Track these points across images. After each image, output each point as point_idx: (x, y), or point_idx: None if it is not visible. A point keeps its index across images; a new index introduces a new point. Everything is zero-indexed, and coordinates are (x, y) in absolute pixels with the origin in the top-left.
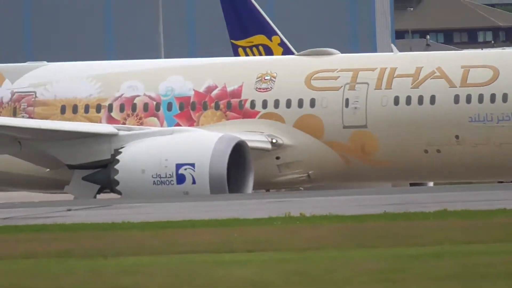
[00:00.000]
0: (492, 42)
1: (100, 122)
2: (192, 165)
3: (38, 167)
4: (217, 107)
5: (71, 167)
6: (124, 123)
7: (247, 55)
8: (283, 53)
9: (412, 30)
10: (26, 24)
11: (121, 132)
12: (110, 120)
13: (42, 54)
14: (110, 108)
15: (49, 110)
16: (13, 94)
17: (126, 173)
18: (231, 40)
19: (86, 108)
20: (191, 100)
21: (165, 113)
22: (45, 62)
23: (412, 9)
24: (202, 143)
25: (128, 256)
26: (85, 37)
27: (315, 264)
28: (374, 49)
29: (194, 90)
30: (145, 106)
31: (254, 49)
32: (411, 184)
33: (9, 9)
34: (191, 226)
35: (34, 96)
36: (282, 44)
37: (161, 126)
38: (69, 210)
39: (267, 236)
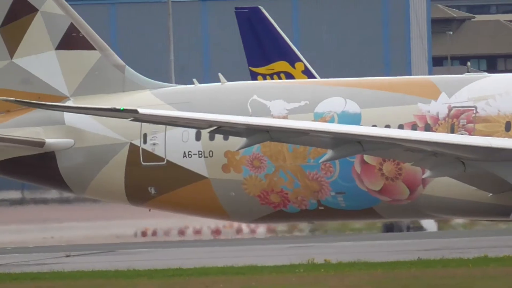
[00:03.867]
0: None
1: None
2: None
3: (480, 191)
4: None
5: None
6: None
7: None
8: None
9: (451, 56)
10: None
11: None
12: None
13: None
14: None
15: (492, 127)
16: (450, 109)
17: None
18: (250, 68)
19: None
20: None
21: None
22: (485, 73)
23: (451, 33)
24: None
25: None
26: None
27: None
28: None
29: None
30: None
31: (275, 76)
32: None
33: None
34: (204, 274)
35: (474, 111)
36: (306, 71)
37: None
38: (68, 256)
39: (288, 286)
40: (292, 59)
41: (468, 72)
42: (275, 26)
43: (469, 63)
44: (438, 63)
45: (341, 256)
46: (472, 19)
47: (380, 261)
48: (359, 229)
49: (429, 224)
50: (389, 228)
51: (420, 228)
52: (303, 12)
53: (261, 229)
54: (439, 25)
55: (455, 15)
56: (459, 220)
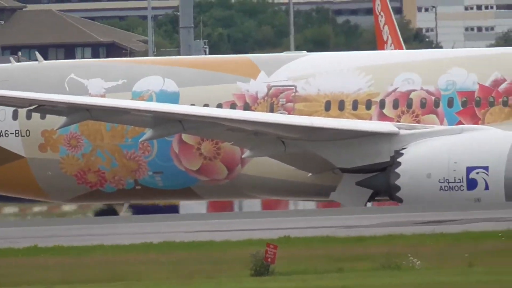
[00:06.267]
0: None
1: (370, 120)
2: (486, 168)
3: (299, 171)
4: (505, 104)
5: (344, 170)
6: (398, 122)
7: None
8: None
9: (2, 46)
10: None
11: (402, 131)
12: (382, 117)
13: None
14: (382, 104)
15: (311, 106)
16: (269, 88)
17: (409, 178)
18: None
19: (355, 104)
20: (475, 96)
21: (445, 110)
22: (305, 52)
23: (3, 22)
24: (497, 144)
25: None
26: None
27: None
28: None
29: (478, 84)
30: (423, 102)
31: None
32: None
33: None
34: None
35: (294, 90)
36: None
37: (441, 124)
38: None
39: None
40: None
41: (19, 61)
42: None
43: (20, 53)
44: None
45: None
46: (24, 9)
47: None
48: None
49: None
50: None
51: None
52: None
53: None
54: None
55: (6, 5)
56: (10, 209)
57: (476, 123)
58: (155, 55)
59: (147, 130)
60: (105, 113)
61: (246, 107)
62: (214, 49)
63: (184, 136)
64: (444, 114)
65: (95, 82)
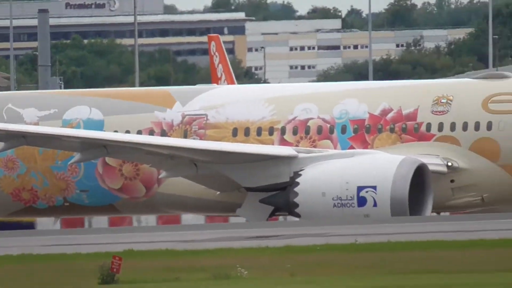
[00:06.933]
0: None
1: (272, 145)
2: (374, 188)
3: (209, 190)
4: (392, 130)
5: (249, 189)
6: (297, 146)
7: None
8: None
9: None
10: None
11: (301, 155)
12: (283, 142)
13: None
14: (283, 131)
15: (220, 132)
16: (184, 116)
17: (306, 196)
18: None
19: (259, 131)
20: (366, 123)
21: (339, 136)
22: (215, 85)
23: None
24: (384, 166)
25: None
26: None
27: None
28: None
29: (368, 113)
30: (319, 129)
31: None
32: None
33: None
34: None
35: (205, 118)
36: None
37: (335, 148)
38: None
39: None
40: None
41: None
42: None
43: None
44: None
45: None
46: None
47: None
48: None
49: None
50: None
51: None
52: None
53: None
54: None
55: None
56: None
57: (366, 148)
58: (16, 90)
59: (76, 154)
60: (38, 139)
61: (163, 134)
62: (69, 85)
63: (107, 159)
64: (338, 140)
65: (29, 111)
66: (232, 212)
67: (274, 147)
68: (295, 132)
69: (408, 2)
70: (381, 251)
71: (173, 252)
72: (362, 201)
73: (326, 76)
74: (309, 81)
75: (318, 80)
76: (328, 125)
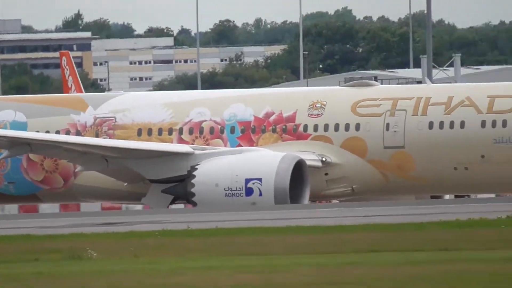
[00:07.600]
0: None
1: (172, 143)
2: (260, 180)
3: (118, 182)
4: (274, 131)
5: (152, 181)
6: (193, 144)
7: None
8: None
9: None
10: None
11: (197, 152)
12: (180, 141)
13: None
14: (180, 131)
15: (127, 133)
16: (95, 119)
17: (201, 187)
18: None
19: (160, 131)
20: (252, 125)
21: (228, 135)
22: (122, 91)
23: None
24: (268, 161)
25: None
26: None
27: None
28: None
29: (254, 116)
30: (211, 130)
31: None
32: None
33: None
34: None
35: (114, 120)
36: None
37: (225, 146)
38: None
39: None
40: None
41: None
42: None
43: None
44: None
45: None
46: None
47: None
48: None
49: None
50: None
51: None
52: None
53: None
54: None
55: None
56: None
57: (252, 145)
58: None
59: (4, 151)
60: None
61: (78, 133)
62: None
63: (31, 155)
64: (228, 139)
65: None
66: (138, 200)
67: (173, 145)
68: (191, 132)
69: (231, 23)
70: (214, 236)
71: (32, 236)
72: (249, 191)
73: (161, 87)
74: (146, 91)
75: (154, 90)
76: (219, 126)
